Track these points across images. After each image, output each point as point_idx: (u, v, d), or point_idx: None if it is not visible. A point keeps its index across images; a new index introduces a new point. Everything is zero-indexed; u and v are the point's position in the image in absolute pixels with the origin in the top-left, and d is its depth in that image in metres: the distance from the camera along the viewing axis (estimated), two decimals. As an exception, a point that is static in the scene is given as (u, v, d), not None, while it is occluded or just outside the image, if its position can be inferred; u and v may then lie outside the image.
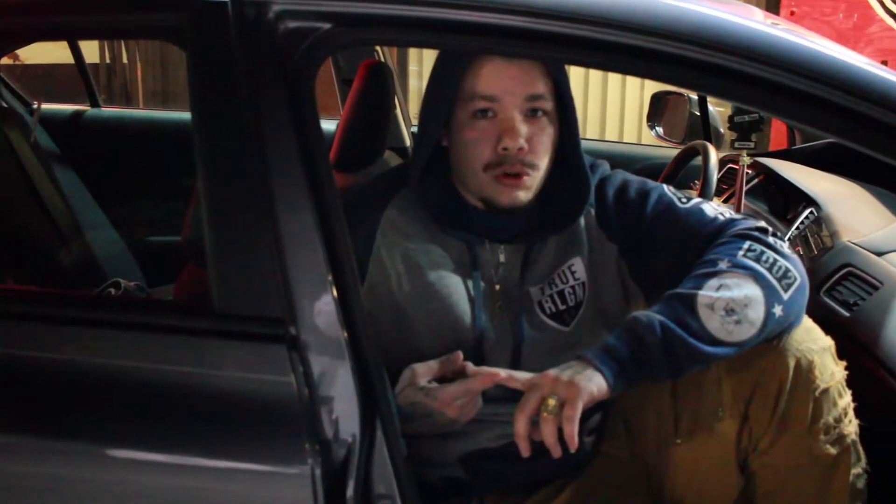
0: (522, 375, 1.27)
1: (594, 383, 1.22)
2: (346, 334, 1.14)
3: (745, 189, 2.22)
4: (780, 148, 3.25)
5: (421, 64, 6.47)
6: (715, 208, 1.44)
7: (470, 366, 1.31)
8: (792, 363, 1.32)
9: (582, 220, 1.47)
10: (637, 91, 6.49)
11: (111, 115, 3.30)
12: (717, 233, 1.39)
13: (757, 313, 1.27)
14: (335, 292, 1.14)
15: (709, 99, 2.73)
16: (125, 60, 6.90)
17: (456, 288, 1.43)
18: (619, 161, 2.12)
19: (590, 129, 6.50)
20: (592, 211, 1.47)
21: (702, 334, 1.26)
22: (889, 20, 5.40)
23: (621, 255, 1.46)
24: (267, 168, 1.15)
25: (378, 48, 2.86)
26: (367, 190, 1.55)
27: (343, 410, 1.13)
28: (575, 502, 1.42)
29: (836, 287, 1.83)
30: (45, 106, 2.84)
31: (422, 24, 1.20)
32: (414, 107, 4.25)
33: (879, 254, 1.84)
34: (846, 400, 1.37)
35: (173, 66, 6.76)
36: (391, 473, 1.14)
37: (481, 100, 1.37)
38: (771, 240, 1.35)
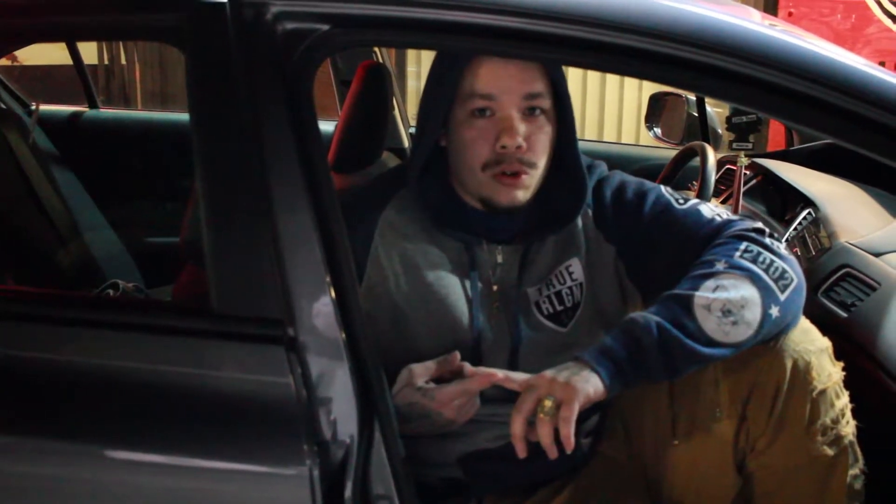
0: (519, 376, 1.27)
1: (591, 384, 1.22)
2: (344, 335, 1.14)
3: (742, 190, 2.22)
4: (778, 149, 3.25)
5: (419, 65, 6.47)
6: (712, 209, 1.44)
7: (467, 366, 1.31)
8: (789, 364, 1.32)
9: (579, 221, 1.47)
10: (635, 92, 6.48)
11: (110, 116, 3.30)
12: (714, 234, 1.39)
13: (754, 314, 1.27)
14: (333, 293, 1.14)
15: (707, 100, 2.73)
16: (123, 61, 6.88)
17: (454, 288, 1.43)
18: (617, 162, 2.12)
19: (588, 130, 6.49)
20: (590, 212, 1.47)
21: (698, 335, 1.26)
22: (887, 21, 5.41)
23: (619, 255, 1.46)
24: (265, 169, 1.15)
25: (376, 49, 2.86)
26: (366, 191, 1.55)
27: (341, 411, 1.13)
28: (573, 503, 1.42)
29: (834, 288, 1.83)
30: (44, 107, 2.85)
31: (419, 26, 1.20)
32: (412, 107, 4.25)
33: (877, 255, 1.84)
34: (844, 401, 1.37)
35: (172, 68, 6.75)
36: (389, 474, 1.14)
37: (479, 99, 1.37)
38: (768, 241, 1.35)
